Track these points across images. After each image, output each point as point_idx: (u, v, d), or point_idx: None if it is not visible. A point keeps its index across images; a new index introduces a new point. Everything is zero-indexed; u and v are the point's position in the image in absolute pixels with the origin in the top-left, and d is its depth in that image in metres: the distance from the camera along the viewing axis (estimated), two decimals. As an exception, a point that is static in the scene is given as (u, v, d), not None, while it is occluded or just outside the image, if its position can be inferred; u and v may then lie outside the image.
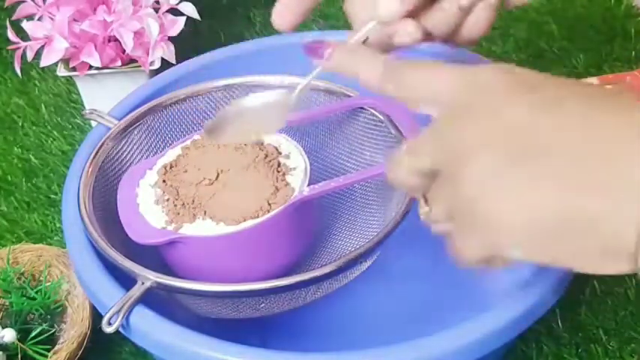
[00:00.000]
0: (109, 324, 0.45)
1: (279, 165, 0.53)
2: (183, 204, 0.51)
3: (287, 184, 0.52)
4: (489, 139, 0.32)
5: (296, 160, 0.54)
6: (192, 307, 0.52)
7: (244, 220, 0.50)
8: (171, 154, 0.56)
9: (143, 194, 0.53)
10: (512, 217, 0.31)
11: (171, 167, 0.54)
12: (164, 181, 0.53)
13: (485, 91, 0.34)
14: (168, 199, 0.52)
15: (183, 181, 0.53)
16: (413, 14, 0.42)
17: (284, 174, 0.53)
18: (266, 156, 0.53)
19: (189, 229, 0.50)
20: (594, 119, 0.31)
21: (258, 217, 0.50)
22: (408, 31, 0.42)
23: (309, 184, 0.52)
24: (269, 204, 0.50)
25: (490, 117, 0.33)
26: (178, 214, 0.51)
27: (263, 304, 0.51)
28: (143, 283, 0.47)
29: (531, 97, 0.32)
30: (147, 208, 0.52)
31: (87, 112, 0.61)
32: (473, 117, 0.33)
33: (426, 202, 0.37)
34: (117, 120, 0.59)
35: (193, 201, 0.51)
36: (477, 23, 0.43)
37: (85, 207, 0.52)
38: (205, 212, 0.51)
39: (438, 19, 0.42)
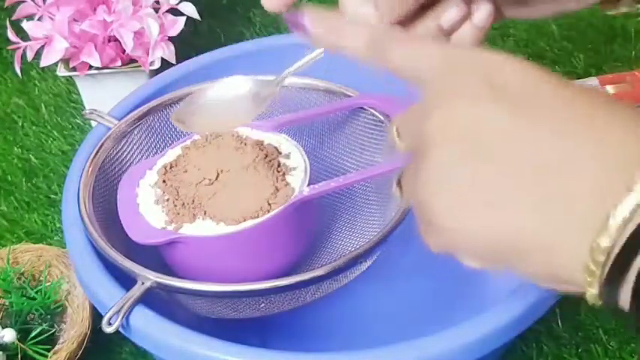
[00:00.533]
0: (109, 324, 0.45)
1: (279, 165, 0.53)
2: (183, 204, 0.51)
3: (287, 184, 0.52)
4: (448, 137, 0.31)
5: (296, 160, 0.54)
6: (192, 307, 0.52)
7: (244, 220, 0.50)
8: (171, 154, 0.56)
9: (143, 194, 0.53)
10: (461, 229, 0.30)
11: (171, 167, 0.54)
12: (164, 181, 0.53)
13: (459, 84, 0.31)
14: (168, 199, 0.52)
15: (183, 181, 0.53)
16: (395, 25, 0.41)
17: (284, 174, 0.53)
18: (266, 156, 0.53)
19: (189, 229, 0.50)
20: (563, 147, 0.28)
21: (258, 217, 0.50)
22: None
23: (309, 184, 0.52)
24: (269, 204, 0.50)
25: (454, 113, 0.31)
26: (178, 214, 0.51)
27: (263, 304, 0.51)
28: (143, 283, 0.47)
29: (502, 104, 0.30)
30: (147, 208, 0.52)
31: (87, 112, 0.61)
32: (439, 108, 0.31)
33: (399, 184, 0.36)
34: (117, 120, 0.59)
35: (193, 201, 0.51)
36: (461, 42, 0.42)
37: (85, 207, 0.52)
38: (205, 212, 0.51)
39: (421, 33, 0.42)
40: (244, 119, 0.49)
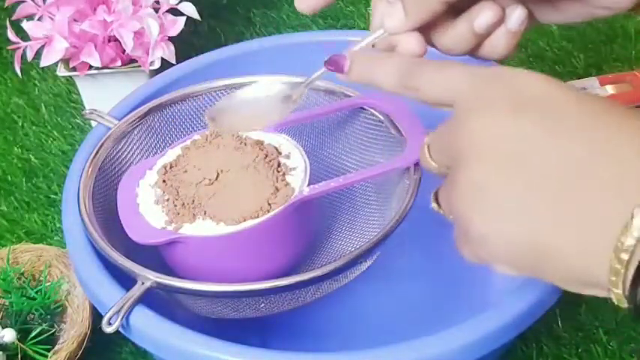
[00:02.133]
0: (109, 324, 0.45)
1: (279, 165, 0.53)
2: (183, 204, 0.51)
3: (287, 184, 0.52)
4: (479, 151, 0.32)
5: (296, 160, 0.54)
6: (192, 307, 0.52)
7: (244, 220, 0.50)
8: (171, 154, 0.56)
9: (143, 194, 0.53)
10: (494, 238, 0.32)
11: (171, 167, 0.54)
12: (164, 181, 0.53)
13: (488, 101, 0.33)
14: (168, 199, 0.52)
15: (183, 181, 0.53)
16: (426, 29, 0.41)
17: (284, 174, 0.53)
18: (266, 156, 0.53)
19: (189, 229, 0.50)
20: (585, 155, 0.30)
21: (258, 217, 0.50)
22: (407, 46, 0.41)
23: (309, 184, 0.52)
24: (269, 204, 0.50)
25: (484, 129, 0.33)
26: (178, 214, 0.51)
27: (263, 304, 0.51)
28: (143, 283, 0.47)
29: (529, 118, 0.32)
30: (147, 208, 0.52)
31: (87, 112, 0.61)
32: (471, 126, 0.33)
33: (436, 197, 0.38)
34: (117, 120, 0.59)
35: (193, 201, 0.51)
36: (495, 48, 0.42)
37: (85, 207, 0.52)
38: (205, 212, 0.51)
39: (453, 38, 0.42)
40: (275, 119, 0.50)
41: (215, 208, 0.51)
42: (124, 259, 0.48)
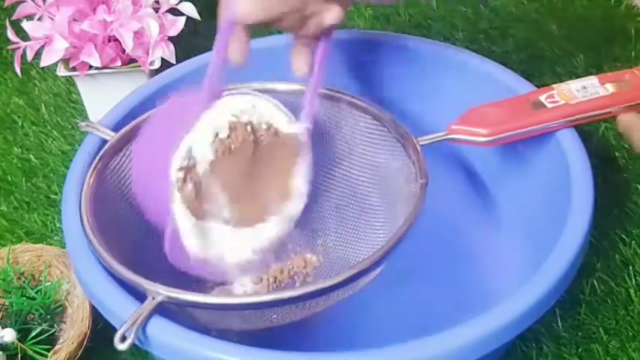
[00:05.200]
0: (122, 341, 0.44)
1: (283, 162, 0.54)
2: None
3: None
4: None
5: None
6: (201, 319, 0.51)
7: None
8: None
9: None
10: None
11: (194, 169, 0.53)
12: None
13: None
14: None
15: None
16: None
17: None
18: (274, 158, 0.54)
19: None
20: None
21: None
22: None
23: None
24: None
25: None
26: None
27: (275, 315, 0.51)
28: (154, 298, 0.46)
29: None
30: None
31: (83, 124, 0.59)
32: None
33: None
34: (112, 132, 0.57)
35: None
36: None
37: (87, 216, 0.52)
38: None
39: None
40: None
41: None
42: (133, 274, 0.47)
